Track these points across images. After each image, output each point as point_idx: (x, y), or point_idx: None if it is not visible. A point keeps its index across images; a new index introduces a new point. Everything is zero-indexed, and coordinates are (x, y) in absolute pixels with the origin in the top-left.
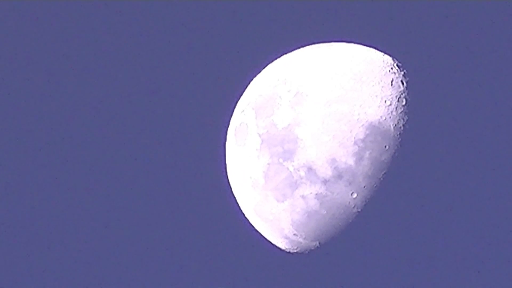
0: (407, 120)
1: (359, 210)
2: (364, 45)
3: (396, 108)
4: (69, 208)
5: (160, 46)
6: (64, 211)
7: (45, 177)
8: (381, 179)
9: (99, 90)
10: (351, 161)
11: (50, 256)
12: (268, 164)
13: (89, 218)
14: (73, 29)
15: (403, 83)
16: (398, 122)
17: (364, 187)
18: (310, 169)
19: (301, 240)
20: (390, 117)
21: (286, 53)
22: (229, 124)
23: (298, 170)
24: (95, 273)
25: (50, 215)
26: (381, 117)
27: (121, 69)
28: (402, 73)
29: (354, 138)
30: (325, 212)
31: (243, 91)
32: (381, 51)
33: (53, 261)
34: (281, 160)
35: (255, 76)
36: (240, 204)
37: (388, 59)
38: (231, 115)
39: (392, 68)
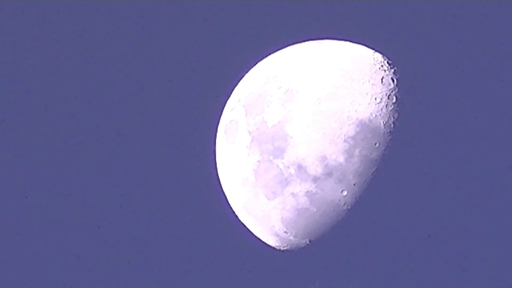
0: (397, 117)
1: (349, 207)
2: (355, 42)
3: (386, 105)
4: (60, 205)
5: (150, 44)
6: (55, 210)
7: (35, 176)
8: (371, 176)
9: (92, 87)
10: (341, 159)
11: (40, 254)
12: (258, 161)
13: (78, 213)
14: (64, 28)
15: (393, 81)
16: (388, 120)
17: (354, 184)
18: (300, 167)
19: (291, 237)
20: (380, 115)
21: (276, 51)
22: (219, 121)
23: (288, 168)
24: (81, 269)
25: (39, 214)
26: (371, 114)
27: (113, 67)
28: (393, 70)
29: (344, 135)
30: (315, 209)
31: (234, 88)
32: (371, 48)
33: (43, 259)
34: (271, 158)
35: (246, 73)
36: (230, 202)
37: (378, 56)
38: (221, 113)
39: (382, 66)
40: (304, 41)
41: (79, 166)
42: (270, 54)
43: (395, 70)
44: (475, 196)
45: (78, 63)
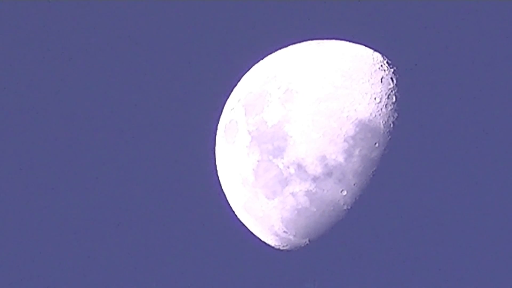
0: (396, 117)
1: (349, 207)
2: (354, 42)
3: (386, 105)
4: (59, 205)
5: (150, 44)
6: (54, 210)
7: (34, 176)
8: (371, 176)
9: (92, 87)
10: (341, 159)
11: (39, 254)
12: (258, 161)
13: (77, 212)
14: (64, 28)
15: (393, 80)
16: (388, 119)
17: (354, 184)
18: (300, 166)
19: (291, 237)
20: (380, 114)
21: (276, 50)
22: (219, 121)
23: (288, 167)
24: (81, 268)
25: (39, 214)
26: (371, 114)
27: (112, 67)
28: (392, 70)
29: (344, 135)
30: (315, 209)
31: (233, 88)
32: (371, 48)
33: (42, 259)
34: (271, 157)
35: (245, 73)
36: (230, 202)
37: (378, 56)
38: (221, 113)
39: (382, 66)
40: (304, 41)
41: (78, 166)
42: (270, 54)
43: (394, 70)
44: (475, 196)
45: (77, 63)
